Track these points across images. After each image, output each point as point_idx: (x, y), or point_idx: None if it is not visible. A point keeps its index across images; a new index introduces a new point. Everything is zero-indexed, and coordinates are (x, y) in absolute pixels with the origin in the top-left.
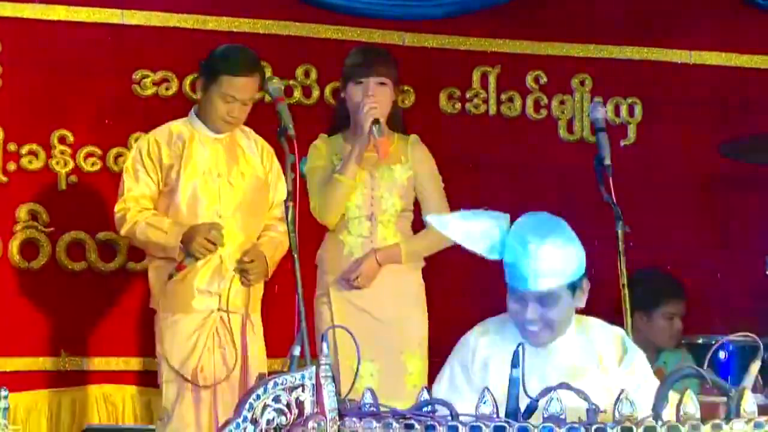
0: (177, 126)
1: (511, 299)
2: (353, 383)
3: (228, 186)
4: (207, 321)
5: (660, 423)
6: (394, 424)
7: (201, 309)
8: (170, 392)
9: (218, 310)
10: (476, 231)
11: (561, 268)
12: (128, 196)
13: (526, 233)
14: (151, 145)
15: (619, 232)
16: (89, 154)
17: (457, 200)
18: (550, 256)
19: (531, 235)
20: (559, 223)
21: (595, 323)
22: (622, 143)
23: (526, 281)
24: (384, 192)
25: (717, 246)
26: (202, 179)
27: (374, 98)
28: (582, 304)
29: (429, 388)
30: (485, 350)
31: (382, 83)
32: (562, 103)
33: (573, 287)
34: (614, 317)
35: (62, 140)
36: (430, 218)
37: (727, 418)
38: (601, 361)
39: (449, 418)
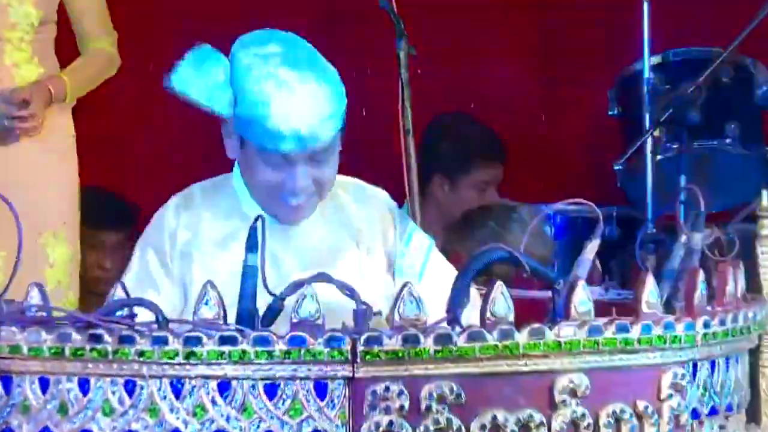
0: None
1: (264, 167)
2: (11, 279)
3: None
4: None
5: (457, 330)
6: (75, 336)
7: None
8: None
9: None
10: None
11: (332, 108)
12: None
13: (277, 68)
14: None
15: (401, 54)
16: None
17: (214, 21)
18: (318, 95)
19: (285, 69)
20: (305, 45)
21: (348, 183)
22: None
23: (295, 137)
24: None
25: (543, 79)
26: None
27: None
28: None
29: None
30: (187, 231)
31: None
32: None
33: (342, 132)
34: (395, 179)
35: None
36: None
37: (552, 321)
38: (360, 235)
39: (155, 326)
